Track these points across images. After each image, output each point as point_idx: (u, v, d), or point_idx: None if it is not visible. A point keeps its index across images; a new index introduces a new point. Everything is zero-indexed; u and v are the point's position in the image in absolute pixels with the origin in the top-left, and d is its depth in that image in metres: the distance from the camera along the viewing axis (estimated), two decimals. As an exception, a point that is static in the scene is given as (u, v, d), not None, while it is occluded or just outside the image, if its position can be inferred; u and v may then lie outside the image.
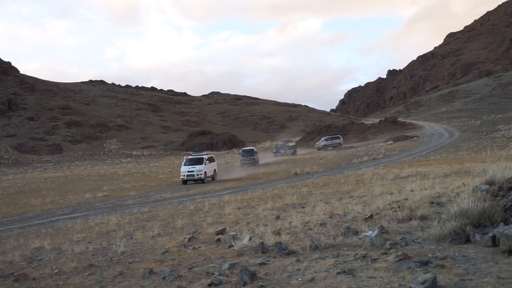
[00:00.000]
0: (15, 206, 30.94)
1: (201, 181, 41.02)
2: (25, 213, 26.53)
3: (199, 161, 42.30)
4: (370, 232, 7.78)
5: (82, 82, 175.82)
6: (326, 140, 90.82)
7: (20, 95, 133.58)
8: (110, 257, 9.72)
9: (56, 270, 8.92)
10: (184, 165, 42.70)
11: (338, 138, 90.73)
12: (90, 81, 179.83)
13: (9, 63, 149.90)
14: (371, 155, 55.35)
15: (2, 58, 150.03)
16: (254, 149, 66.33)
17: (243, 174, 49.66)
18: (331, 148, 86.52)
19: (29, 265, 10.07)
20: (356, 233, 8.08)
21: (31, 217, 24.25)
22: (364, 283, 5.58)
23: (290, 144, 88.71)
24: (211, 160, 45.72)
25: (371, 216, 9.80)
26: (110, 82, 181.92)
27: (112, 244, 11.30)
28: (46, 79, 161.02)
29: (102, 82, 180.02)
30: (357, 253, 6.83)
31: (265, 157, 73.42)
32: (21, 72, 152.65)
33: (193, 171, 41.04)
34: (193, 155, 45.08)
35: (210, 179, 43.74)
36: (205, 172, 41.65)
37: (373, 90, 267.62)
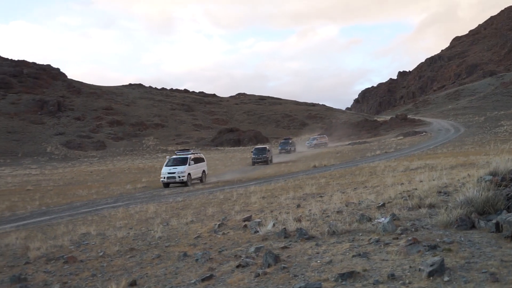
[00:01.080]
0: (65, 196, 31.33)
1: (183, 184, 33.50)
2: (73, 202, 26.85)
3: (183, 162, 34.54)
4: (383, 219, 7.74)
5: (122, 86, 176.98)
6: (316, 139, 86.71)
7: (68, 98, 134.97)
8: (148, 241, 9.81)
9: (101, 253, 9.05)
10: (166, 165, 34.97)
11: (325, 137, 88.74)
12: (130, 84, 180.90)
13: (58, 69, 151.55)
14: (383, 149, 54.92)
15: (52, 65, 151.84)
16: (267, 147, 57.73)
17: (254, 174, 41.36)
18: (322, 146, 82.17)
19: (77, 248, 10.22)
20: (369, 220, 8.04)
21: (79, 206, 24.54)
22: (378, 265, 5.56)
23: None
24: (198, 160, 37.07)
25: (383, 205, 9.73)
26: (148, 85, 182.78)
27: (150, 230, 11.44)
28: (91, 83, 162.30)
29: (140, 85, 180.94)
30: (370, 238, 6.80)
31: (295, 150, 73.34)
32: (69, 77, 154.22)
33: (174, 173, 33.22)
34: (178, 155, 37.23)
35: (198, 181, 36.16)
36: (189, 174, 34.05)
37: (384, 90, 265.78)
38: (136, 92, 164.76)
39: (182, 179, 33.02)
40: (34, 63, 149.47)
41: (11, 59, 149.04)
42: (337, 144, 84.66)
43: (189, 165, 34.10)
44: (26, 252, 10.42)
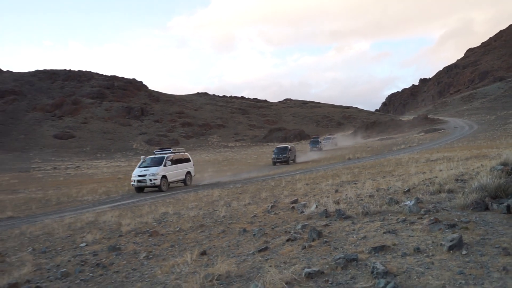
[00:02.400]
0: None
1: (157, 188, 24.95)
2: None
3: (158, 162, 25.75)
4: (408, 202, 7.60)
5: (192, 94, 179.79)
6: (327, 139, 75.64)
7: (149, 105, 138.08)
8: (215, 219, 9.93)
9: (177, 229, 9.24)
10: (139, 167, 26.16)
11: (335, 137, 79.64)
12: (198, 93, 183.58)
13: (141, 82, 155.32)
14: (407, 144, 53.75)
15: (136, 79, 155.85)
16: (289, 146, 46.31)
17: (297, 165, 39.94)
18: (333, 145, 72.33)
19: (159, 224, 10.46)
20: (397, 202, 7.91)
21: (157, 191, 25.12)
22: (405, 240, 5.47)
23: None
24: (180, 161, 27.75)
25: (408, 190, 9.55)
26: (212, 93, 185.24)
27: (216, 210, 11.57)
28: (167, 92, 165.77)
29: (206, 93, 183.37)
30: (398, 218, 6.70)
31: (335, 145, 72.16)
32: (150, 88, 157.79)
33: (145, 175, 24.63)
34: (156, 154, 27.92)
35: (182, 184, 27.70)
36: (164, 177, 25.09)
37: (408, 94, 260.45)
38: (202, 99, 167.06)
39: (154, 183, 24.44)
40: (122, 78, 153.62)
41: (105, 75, 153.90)
42: (368, 140, 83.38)
43: (164, 166, 25.22)
44: (119, 227, 10.79)
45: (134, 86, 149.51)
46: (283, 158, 43.65)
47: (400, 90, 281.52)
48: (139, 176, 24.72)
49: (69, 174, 53.20)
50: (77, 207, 20.05)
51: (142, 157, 28.02)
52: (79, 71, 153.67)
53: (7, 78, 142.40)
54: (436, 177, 11.59)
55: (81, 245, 8.95)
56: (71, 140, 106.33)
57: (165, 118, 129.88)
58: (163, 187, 24.69)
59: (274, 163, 43.98)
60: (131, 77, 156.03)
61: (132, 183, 24.93)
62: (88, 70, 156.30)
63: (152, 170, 24.84)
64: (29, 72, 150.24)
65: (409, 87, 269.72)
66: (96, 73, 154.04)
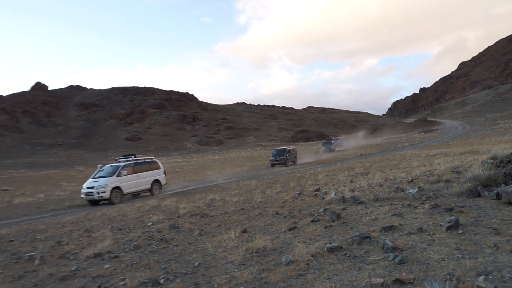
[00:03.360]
0: (198, 175, 32.50)
1: (108, 201, 17.92)
2: (204, 179, 27.76)
3: (112, 172, 18.73)
4: (412, 190, 7.41)
5: (232, 104, 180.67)
6: (334, 140, 62.83)
7: (199, 113, 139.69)
8: (253, 204, 9.92)
9: (223, 211, 9.28)
10: (92, 177, 19.19)
11: (339, 139, 65.96)
12: (237, 103, 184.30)
13: (192, 95, 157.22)
14: (410, 142, 52.39)
15: (189, 92, 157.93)
16: (288, 148, 38.04)
17: (318, 160, 38.13)
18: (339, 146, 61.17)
19: (208, 208, 10.50)
20: (402, 190, 7.73)
21: (207, 181, 25.37)
22: (410, 221, 5.34)
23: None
24: (145, 169, 20.12)
25: (412, 180, 9.31)
26: (249, 103, 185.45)
27: (253, 197, 11.56)
28: (213, 103, 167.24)
29: (244, 103, 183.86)
30: (404, 203, 6.54)
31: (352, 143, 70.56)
32: (199, 99, 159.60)
33: (93, 187, 17.87)
34: (119, 161, 20.13)
35: (149, 194, 20.15)
36: (117, 188, 18.20)
37: (410, 100, 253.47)
38: (241, 107, 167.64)
39: (102, 196, 17.66)
40: (178, 92, 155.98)
41: (165, 90, 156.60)
42: (377, 139, 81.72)
43: (118, 176, 18.27)
44: (177, 210, 10.93)
45: (187, 98, 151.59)
46: (281, 160, 35.86)
47: (403, 98, 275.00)
48: (88, 188, 18.01)
49: (138, 168, 54.46)
50: (143, 195, 20.50)
51: (99, 165, 20.46)
52: (144, 87, 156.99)
53: (90, 94, 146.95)
54: (435, 169, 11.25)
55: (148, 224, 9.13)
56: (139, 141, 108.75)
57: (211, 123, 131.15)
58: (115, 199, 17.85)
59: (273, 165, 35.82)
60: (185, 91, 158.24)
61: (81, 195, 18.41)
62: (152, 86, 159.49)
63: (101, 181, 18.01)
64: (107, 89, 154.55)
65: (411, 95, 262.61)
66: (158, 89, 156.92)
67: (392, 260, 3.95)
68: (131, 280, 4.62)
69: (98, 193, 17.73)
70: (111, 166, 19.46)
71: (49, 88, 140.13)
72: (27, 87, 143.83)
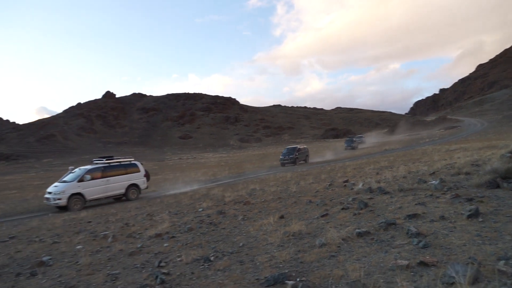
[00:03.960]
0: (239, 168, 32.73)
1: (63, 209, 14.39)
2: (244, 171, 27.96)
3: (75, 177, 15.23)
4: (434, 181, 7.10)
5: (269, 106, 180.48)
6: (357, 138, 57.13)
7: (240, 114, 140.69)
8: (288, 193, 9.85)
9: (263, 200, 9.28)
10: (59, 181, 15.77)
11: (362, 137, 60.88)
12: (274, 105, 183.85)
13: (235, 99, 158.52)
14: (431, 138, 50.11)
15: (231, 96, 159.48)
16: (298, 147, 32.72)
17: (347, 155, 36.85)
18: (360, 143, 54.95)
19: (250, 196, 10.51)
20: (425, 182, 7.42)
21: (248, 173, 25.53)
22: (432, 210, 5.13)
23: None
24: (120, 172, 16.45)
25: (433, 173, 8.91)
26: (284, 105, 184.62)
27: (289, 187, 11.49)
28: (252, 105, 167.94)
29: (279, 105, 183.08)
30: (426, 193, 6.28)
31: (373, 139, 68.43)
32: (241, 103, 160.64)
33: (51, 193, 14.75)
34: (95, 162, 16.64)
35: (125, 198, 16.60)
36: (77, 194, 14.69)
37: (430, 100, 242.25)
38: (277, 109, 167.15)
39: (58, 203, 14.32)
40: (222, 96, 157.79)
41: (211, 95, 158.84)
42: (399, 135, 78.82)
43: (80, 181, 14.79)
44: (223, 198, 11.04)
45: (230, 102, 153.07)
46: (290, 159, 31.07)
47: (424, 98, 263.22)
48: (48, 192, 15.04)
49: (189, 162, 55.65)
50: (194, 185, 20.93)
51: (70, 167, 16.90)
52: (194, 93, 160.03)
53: (150, 100, 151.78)
54: (455, 162, 10.73)
55: (199, 209, 9.30)
56: (190, 139, 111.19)
57: (251, 123, 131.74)
58: (73, 207, 14.36)
59: (283, 164, 31.01)
60: (228, 96, 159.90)
61: (45, 201, 15.12)
62: (200, 92, 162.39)
63: (60, 187, 14.77)
64: (163, 95, 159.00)
65: (431, 95, 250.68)
66: (205, 94, 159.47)
67: (416, 244, 3.82)
68: (186, 257, 4.74)
69: (54, 199, 14.46)
70: (79, 169, 15.92)
71: (117, 96, 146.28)
72: (99, 95, 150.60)
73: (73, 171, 16.02)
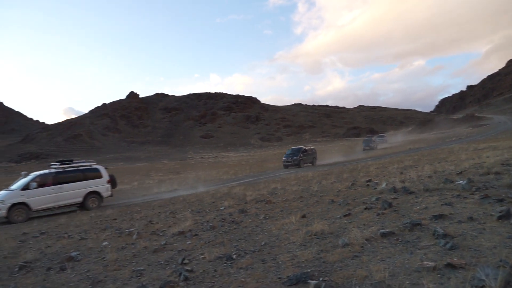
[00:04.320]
0: (260, 167, 32.73)
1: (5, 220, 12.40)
2: (266, 170, 27.95)
3: (20, 185, 13.09)
4: (461, 181, 6.87)
5: (290, 105, 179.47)
6: (379, 137, 53.67)
7: (261, 113, 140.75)
8: (310, 192, 9.79)
9: (284, 199, 9.25)
10: (8, 188, 13.72)
11: (384, 136, 56.90)
12: (294, 104, 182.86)
13: (255, 98, 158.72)
14: (458, 136, 48.47)
15: (252, 96, 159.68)
16: (304, 148, 29.95)
17: (369, 154, 35.31)
18: (382, 142, 51.16)
19: (271, 195, 10.49)
20: (451, 182, 7.19)
21: (269, 172, 25.49)
22: (459, 211, 4.97)
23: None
24: (75, 178, 14.14)
25: (461, 172, 8.62)
26: (304, 104, 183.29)
27: (310, 186, 11.40)
28: (273, 104, 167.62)
29: (300, 104, 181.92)
30: (453, 193, 6.09)
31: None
32: (261, 102, 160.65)
33: None
34: (53, 167, 14.23)
35: (77, 207, 14.30)
36: (19, 204, 12.52)
37: (457, 98, 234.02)
38: (298, 108, 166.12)
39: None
40: (243, 96, 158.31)
41: (232, 94, 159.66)
42: (424, 134, 76.73)
43: (24, 189, 12.89)
44: (245, 197, 11.08)
45: (251, 101, 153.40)
46: (293, 161, 28.03)
47: (450, 95, 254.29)
48: None
49: (211, 161, 56.21)
50: (217, 183, 21.10)
51: (23, 172, 14.62)
52: (215, 93, 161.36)
53: (172, 100, 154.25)
54: (484, 162, 10.35)
55: (221, 208, 9.37)
56: (211, 139, 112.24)
57: (272, 122, 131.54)
58: (16, 218, 12.53)
59: (286, 166, 28.18)
60: (249, 95, 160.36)
61: None
62: (221, 92, 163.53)
63: (0, 196, 12.97)
64: (185, 95, 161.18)
65: (458, 92, 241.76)
66: (226, 94, 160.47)
67: (443, 246, 3.71)
68: (209, 255, 4.80)
69: None
70: (31, 175, 13.89)
71: (140, 96, 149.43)
72: (123, 96, 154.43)
73: (26, 176, 14.00)
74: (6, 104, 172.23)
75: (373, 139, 46.92)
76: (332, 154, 42.22)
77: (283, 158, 29.38)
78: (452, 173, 8.84)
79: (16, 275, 5.16)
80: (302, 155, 28.77)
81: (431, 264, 3.25)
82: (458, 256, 3.41)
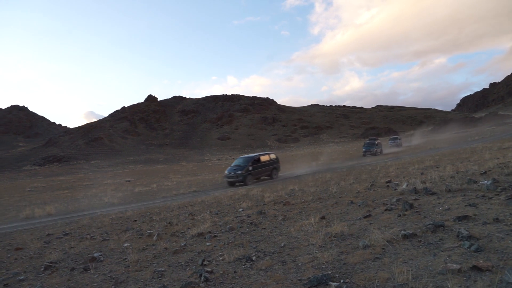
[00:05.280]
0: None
1: None
2: (283, 172, 27.82)
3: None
4: (486, 181, 6.68)
5: (307, 106, 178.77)
6: (392, 140, 48.03)
7: (278, 115, 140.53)
8: (328, 194, 9.70)
9: (302, 200, 9.20)
10: None
11: (398, 139, 48.19)
12: (311, 105, 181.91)
13: (272, 99, 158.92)
14: (480, 136, 47.03)
15: (269, 97, 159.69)
16: (257, 155, 22.26)
17: (387, 155, 36.61)
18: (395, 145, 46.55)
19: (289, 197, 10.45)
20: (475, 182, 6.99)
21: (286, 174, 25.39)
22: (484, 212, 4.83)
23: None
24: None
25: (485, 172, 8.37)
26: (322, 104, 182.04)
27: (329, 187, 11.29)
28: (290, 105, 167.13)
29: (317, 105, 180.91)
30: (477, 194, 5.93)
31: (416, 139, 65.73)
32: (278, 103, 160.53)
33: None
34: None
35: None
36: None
37: (479, 96, 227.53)
38: (315, 108, 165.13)
39: None
40: (260, 97, 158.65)
41: (249, 96, 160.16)
42: (445, 133, 74.85)
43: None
44: (263, 199, 11.05)
45: (267, 102, 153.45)
46: (238, 177, 20.60)
47: (472, 93, 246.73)
48: None
49: (228, 163, 56.39)
50: (234, 185, 21.11)
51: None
52: (232, 95, 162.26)
53: (189, 102, 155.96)
54: (510, 161, 10.01)
55: (239, 210, 9.38)
56: (228, 140, 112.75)
57: (289, 123, 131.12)
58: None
59: (230, 183, 20.84)
60: (265, 96, 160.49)
61: None
62: (238, 93, 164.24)
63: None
64: (202, 98, 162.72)
65: (481, 90, 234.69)
66: (243, 95, 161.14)
67: (468, 248, 3.62)
68: (228, 256, 4.82)
69: None
70: None
71: (158, 99, 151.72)
72: (142, 99, 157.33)
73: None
74: (31, 109, 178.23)
75: (376, 142, 38.99)
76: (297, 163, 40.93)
77: (225, 172, 21.92)
78: (475, 173, 8.60)
79: (42, 275, 5.32)
80: (251, 168, 21.40)
81: (456, 266, 3.17)
82: (484, 258, 3.32)
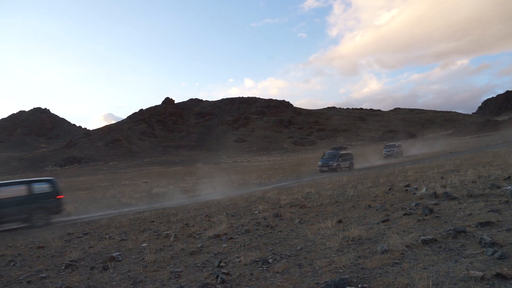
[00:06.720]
0: (294, 171, 32.50)
1: None
2: (300, 174, 27.74)
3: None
4: (510, 186, 6.48)
5: (324, 108, 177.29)
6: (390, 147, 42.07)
7: (294, 117, 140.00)
8: (346, 197, 9.60)
9: (319, 203, 9.14)
10: None
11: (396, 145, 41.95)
12: (328, 107, 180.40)
13: (288, 102, 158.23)
14: (503, 140, 45.66)
15: (285, 100, 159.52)
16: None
17: (405, 158, 37.93)
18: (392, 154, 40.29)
19: (305, 200, 10.38)
20: (498, 187, 6.79)
21: (302, 176, 25.27)
22: (508, 218, 4.69)
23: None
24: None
25: (509, 177, 8.11)
26: (339, 107, 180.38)
27: (346, 191, 11.18)
28: (306, 108, 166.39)
29: (334, 107, 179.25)
30: (501, 200, 5.75)
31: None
32: (294, 105, 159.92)
33: None
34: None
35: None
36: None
37: (502, 98, 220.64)
38: (331, 111, 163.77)
39: None
40: (276, 100, 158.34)
41: (265, 99, 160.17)
42: (466, 137, 72.93)
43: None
44: (279, 201, 11.03)
45: (284, 105, 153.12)
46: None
47: (495, 96, 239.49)
48: None
49: (244, 165, 56.59)
50: (250, 187, 21.19)
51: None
52: (248, 97, 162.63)
53: (206, 105, 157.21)
54: (535, 166, 9.69)
55: (255, 212, 9.39)
56: (244, 143, 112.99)
57: (305, 126, 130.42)
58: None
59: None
60: (281, 99, 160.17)
61: None
62: (254, 96, 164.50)
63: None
64: (218, 100, 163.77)
65: (504, 93, 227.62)
66: (259, 98, 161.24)
67: (491, 255, 3.52)
68: (245, 258, 4.83)
69: None
70: None
71: (175, 102, 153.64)
72: (159, 101, 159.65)
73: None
74: (52, 111, 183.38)
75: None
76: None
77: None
78: (498, 178, 8.35)
79: (63, 273, 5.46)
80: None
81: (479, 273, 3.09)
82: (509, 266, 3.22)
